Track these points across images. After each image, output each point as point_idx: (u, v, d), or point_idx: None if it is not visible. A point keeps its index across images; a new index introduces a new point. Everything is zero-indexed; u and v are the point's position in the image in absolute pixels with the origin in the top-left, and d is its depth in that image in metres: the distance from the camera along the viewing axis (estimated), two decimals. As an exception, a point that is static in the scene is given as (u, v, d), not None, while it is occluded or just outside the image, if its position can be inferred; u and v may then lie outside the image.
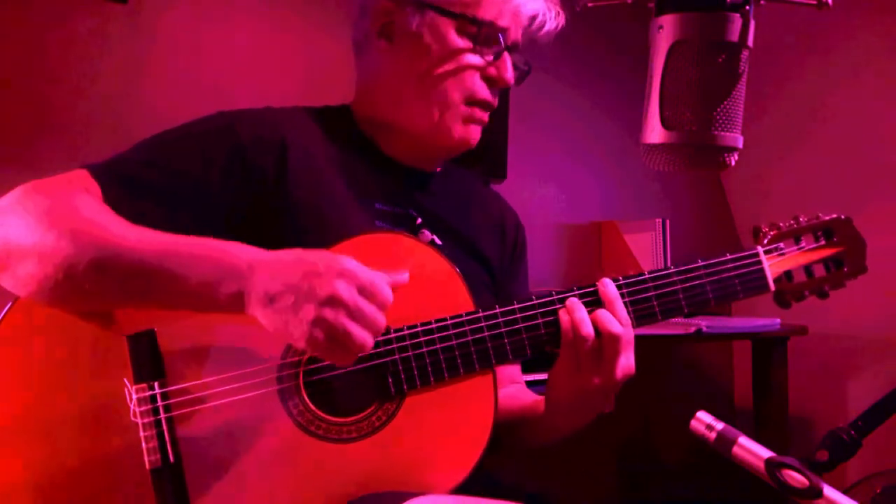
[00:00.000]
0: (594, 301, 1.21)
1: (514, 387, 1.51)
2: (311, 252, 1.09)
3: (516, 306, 1.21)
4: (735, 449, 0.94)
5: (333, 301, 1.02)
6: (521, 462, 1.33)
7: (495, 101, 1.35)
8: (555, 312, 1.21)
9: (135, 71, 2.36)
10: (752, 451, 0.93)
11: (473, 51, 1.31)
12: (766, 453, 0.92)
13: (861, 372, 2.83)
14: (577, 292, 1.22)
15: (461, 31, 1.30)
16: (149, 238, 1.09)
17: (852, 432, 1.20)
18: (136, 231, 1.10)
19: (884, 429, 1.24)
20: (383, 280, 1.07)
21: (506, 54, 1.32)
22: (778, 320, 2.64)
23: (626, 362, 1.20)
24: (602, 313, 1.19)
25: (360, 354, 1.06)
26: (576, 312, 1.19)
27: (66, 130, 2.26)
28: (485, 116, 1.36)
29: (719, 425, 0.96)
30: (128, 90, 2.33)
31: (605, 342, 1.18)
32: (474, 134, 1.35)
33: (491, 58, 1.31)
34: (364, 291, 1.05)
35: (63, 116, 2.27)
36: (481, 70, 1.32)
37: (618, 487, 3.01)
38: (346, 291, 1.03)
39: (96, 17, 2.31)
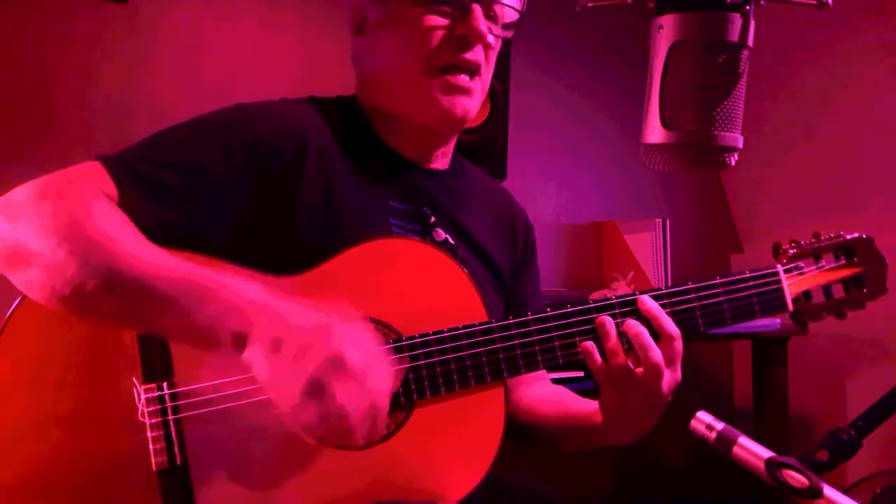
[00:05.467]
0: (632, 311, 1.19)
1: (547, 385, 1.49)
2: (320, 314, 1.03)
3: (530, 318, 1.19)
4: (735, 449, 0.94)
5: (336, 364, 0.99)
6: (520, 462, 1.33)
7: (470, 58, 1.27)
8: (574, 325, 1.19)
9: (135, 70, 2.35)
10: (752, 451, 0.93)
11: (431, 14, 1.25)
12: (766, 453, 0.92)
13: (861, 372, 2.83)
14: (615, 304, 1.20)
15: (416, 2, 1.26)
16: (164, 264, 1.05)
17: (852, 432, 1.19)
18: (152, 254, 1.06)
19: (884, 429, 1.24)
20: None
21: (474, 6, 1.25)
22: (778, 320, 2.63)
23: (673, 376, 1.19)
24: (643, 346, 1.16)
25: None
26: (608, 342, 1.17)
27: (67, 130, 2.25)
28: (462, 81, 1.28)
29: (719, 425, 0.96)
30: (128, 90, 2.33)
31: (647, 371, 1.16)
32: (459, 104, 1.28)
33: (460, 15, 1.25)
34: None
35: (63, 116, 2.26)
36: (448, 30, 1.26)
37: (617, 488, 3.01)
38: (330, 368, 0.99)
39: (96, 17, 2.30)
